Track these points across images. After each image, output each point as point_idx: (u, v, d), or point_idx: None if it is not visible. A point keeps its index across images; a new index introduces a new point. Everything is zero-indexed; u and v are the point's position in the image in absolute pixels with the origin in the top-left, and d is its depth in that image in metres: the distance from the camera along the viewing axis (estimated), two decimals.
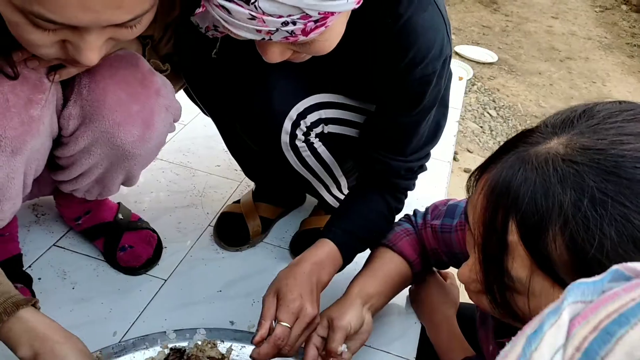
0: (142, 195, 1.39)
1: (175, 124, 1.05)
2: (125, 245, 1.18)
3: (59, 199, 1.22)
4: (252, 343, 0.89)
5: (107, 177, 1.05)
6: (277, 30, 0.71)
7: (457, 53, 4.03)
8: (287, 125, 1.03)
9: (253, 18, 0.69)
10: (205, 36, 0.88)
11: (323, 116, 1.05)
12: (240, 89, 1.04)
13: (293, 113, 1.02)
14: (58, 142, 0.98)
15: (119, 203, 1.25)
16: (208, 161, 1.56)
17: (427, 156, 1.12)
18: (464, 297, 1.08)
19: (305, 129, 1.04)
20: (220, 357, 0.99)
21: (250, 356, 0.89)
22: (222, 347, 1.01)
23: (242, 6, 0.67)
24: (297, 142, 1.06)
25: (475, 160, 2.90)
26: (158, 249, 1.22)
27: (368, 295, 0.97)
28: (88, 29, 0.67)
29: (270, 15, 0.68)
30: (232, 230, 1.30)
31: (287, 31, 0.71)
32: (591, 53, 4.56)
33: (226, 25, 0.72)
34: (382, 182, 1.09)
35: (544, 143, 0.59)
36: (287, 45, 0.79)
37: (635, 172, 0.53)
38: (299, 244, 1.30)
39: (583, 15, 5.38)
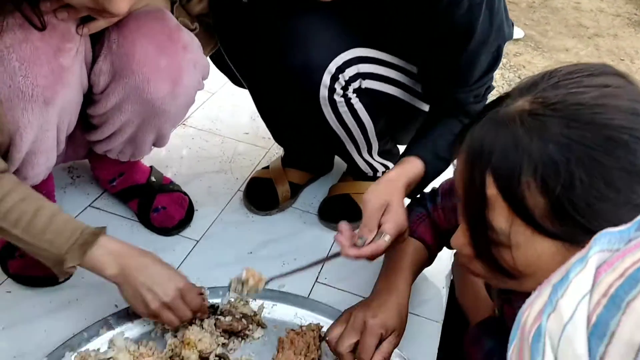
0: (172, 161, 1.41)
1: (203, 91, 1.07)
2: (159, 206, 1.20)
3: (93, 161, 1.25)
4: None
5: (139, 136, 1.07)
6: None
7: None
8: (327, 79, 1.02)
9: None
10: None
11: (361, 70, 1.05)
12: (275, 41, 1.03)
13: (332, 67, 1.02)
14: (90, 100, 1.00)
15: (151, 166, 1.28)
16: (236, 129, 1.57)
17: (491, 79, 1.09)
18: None
19: (344, 83, 1.04)
20: (252, 314, 1.01)
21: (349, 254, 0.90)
22: (255, 304, 1.04)
23: None
24: (336, 97, 1.05)
25: None
26: (190, 211, 1.24)
27: (398, 291, 0.96)
28: None
29: None
30: (261, 195, 1.32)
31: None
32: (620, 30, 4.46)
33: None
34: (455, 111, 1.07)
35: (512, 104, 0.64)
36: None
37: (594, 117, 0.58)
38: (328, 210, 1.31)
39: None
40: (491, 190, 0.62)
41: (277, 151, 1.48)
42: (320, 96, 1.05)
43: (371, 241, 0.88)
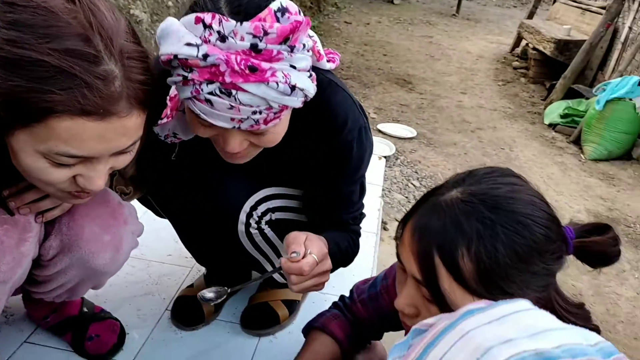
0: (102, 289, 1.52)
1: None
2: (92, 335, 1.31)
3: (27, 301, 1.35)
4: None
5: (78, 287, 1.20)
6: (247, 118, 0.90)
7: (379, 130, 4.41)
8: (242, 217, 1.26)
9: (231, 107, 0.88)
10: (163, 143, 1.09)
11: (270, 206, 1.28)
12: (199, 187, 1.25)
13: (247, 207, 1.25)
14: (37, 263, 1.11)
15: (82, 297, 1.39)
16: (160, 252, 1.72)
17: (363, 206, 1.34)
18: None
19: (257, 219, 1.26)
20: None
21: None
22: None
23: (224, 98, 0.87)
24: (251, 230, 1.28)
25: None
26: (122, 335, 1.36)
27: None
28: (99, 159, 0.81)
29: (245, 105, 0.88)
30: (187, 312, 1.46)
31: (254, 120, 0.91)
32: (498, 122, 5.08)
33: (204, 116, 0.90)
34: (342, 229, 1.29)
35: (447, 194, 0.85)
36: (246, 135, 0.99)
37: (508, 206, 0.81)
38: (249, 318, 1.47)
39: (488, 89, 6.00)
40: (436, 259, 0.79)
41: (200, 269, 1.64)
42: (239, 230, 1.27)
43: (303, 257, 1.05)
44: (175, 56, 0.85)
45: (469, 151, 4.38)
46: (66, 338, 1.33)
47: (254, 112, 0.90)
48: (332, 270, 1.25)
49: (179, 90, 0.92)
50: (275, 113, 0.93)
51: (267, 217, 1.28)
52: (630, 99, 4.35)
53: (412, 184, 3.70)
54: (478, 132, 4.79)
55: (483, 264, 0.79)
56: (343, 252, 1.26)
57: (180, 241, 1.52)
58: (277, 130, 1.01)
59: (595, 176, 4.18)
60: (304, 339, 1.24)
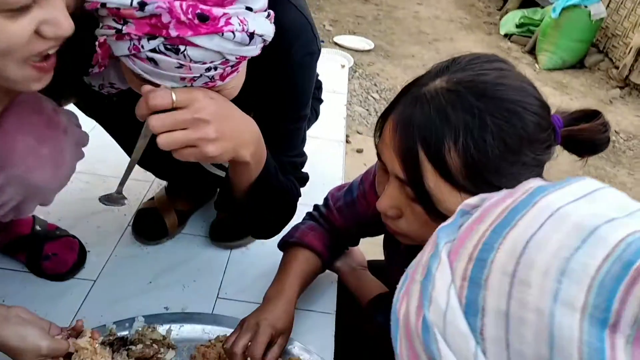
0: (53, 207, 1.39)
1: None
2: (49, 253, 1.21)
3: None
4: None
5: (22, 206, 1.08)
6: (200, 76, 0.76)
7: (336, 43, 4.26)
8: None
9: (181, 66, 0.73)
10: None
11: None
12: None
13: None
14: None
15: (33, 216, 1.28)
16: (117, 166, 1.59)
17: (304, 156, 1.22)
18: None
19: None
20: (161, 338, 1.07)
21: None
22: (162, 329, 1.10)
23: (170, 56, 0.72)
24: None
25: (365, 141, 3.12)
26: (82, 253, 1.26)
27: (286, 296, 1.06)
28: None
29: (197, 62, 0.73)
30: (150, 226, 1.37)
31: (208, 76, 0.77)
32: (455, 34, 5.00)
33: (148, 76, 0.76)
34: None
35: (430, 84, 0.77)
36: None
37: (496, 92, 0.74)
38: (219, 230, 1.40)
39: (444, 0, 5.85)
40: (422, 156, 0.74)
41: (161, 183, 1.54)
42: None
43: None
44: (103, 4, 0.69)
45: (427, 63, 4.30)
46: (20, 258, 1.22)
47: (208, 69, 0.76)
48: (268, 227, 1.17)
49: (113, 46, 0.75)
50: (232, 66, 0.79)
51: None
52: (586, 6, 4.33)
53: (371, 96, 3.62)
54: (435, 44, 4.71)
55: (471, 157, 0.73)
56: (280, 183, 1.10)
57: None
58: (236, 84, 0.87)
59: (549, 85, 4.22)
60: (277, 249, 1.19)
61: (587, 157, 0.85)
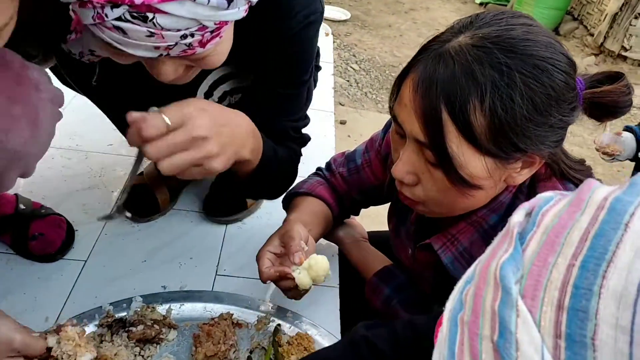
0: (35, 185, 1.33)
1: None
2: (35, 233, 1.14)
3: None
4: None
5: (2, 178, 1.00)
6: (176, 44, 0.70)
7: None
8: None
9: (151, 35, 0.67)
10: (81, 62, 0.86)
11: (227, 88, 1.10)
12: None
13: (200, 92, 1.06)
14: None
15: (15, 194, 1.20)
16: (98, 142, 1.52)
17: (307, 118, 1.19)
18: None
19: (217, 101, 1.08)
20: (162, 317, 1.02)
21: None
22: (161, 309, 1.05)
23: (139, 25, 0.66)
24: None
25: (347, 112, 3.07)
26: (70, 232, 1.19)
27: (304, 222, 1.02)
28: None
29: (169, 29, 0.67)
30: (140, 202, 1.31)
31: (185, 44, 0.71)
32: (430, 3, 4.95)
33: (119, 46, 0.69)
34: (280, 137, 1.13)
35: (454, 40, 0.73)
36: (181, 61, 0.78)
37: (525, 49, 0.70)
38: (213, 205, 1.34)
39: None
40: (444, 115, 0.70)
41: None
42: None
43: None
44: None
45: (404, 33, 4.25)
46: (4, 239, 1.15)
47: (184, 37, 0.69)
48: (271, 193, 1.16)
49: (79, 13, 0.68)
50: (212, 32, 0.72)
51: (225, 102, 1.11)
52: None
53: (351, 67, 3.56)
54: (412, 13, 4.65)
55: (497, 118, 0.69)
56: (280, 160, 1.07)
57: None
58: (221, 50, 0.79)
59: None
60: (274, 223, 1.15)
61: (606, 121, 0.82)
